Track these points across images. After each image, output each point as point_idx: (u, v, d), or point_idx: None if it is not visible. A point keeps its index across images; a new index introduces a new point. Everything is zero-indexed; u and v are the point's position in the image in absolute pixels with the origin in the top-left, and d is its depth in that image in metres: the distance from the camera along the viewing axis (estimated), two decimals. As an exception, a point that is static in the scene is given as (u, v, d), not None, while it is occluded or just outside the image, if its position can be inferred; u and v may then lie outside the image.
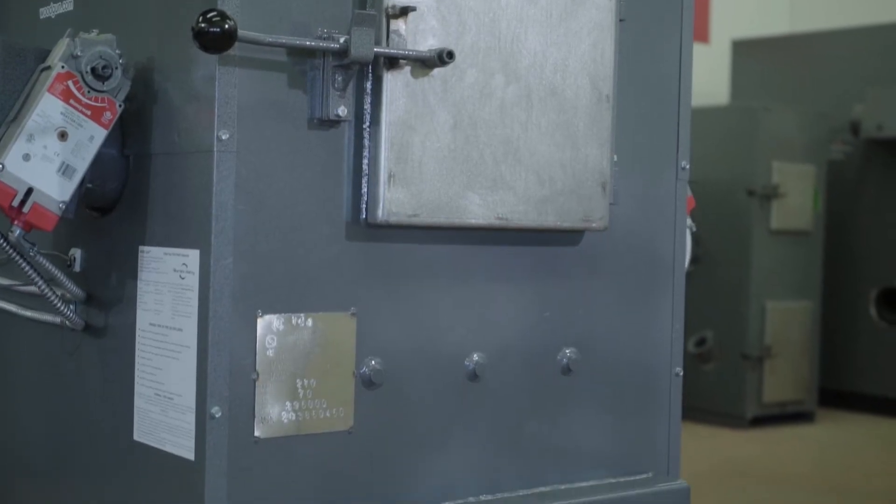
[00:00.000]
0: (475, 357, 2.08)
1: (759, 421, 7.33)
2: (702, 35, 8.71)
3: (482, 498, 2.09)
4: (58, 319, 2.19)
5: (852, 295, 7.77)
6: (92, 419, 2.14)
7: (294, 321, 1.90)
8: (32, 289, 2.27)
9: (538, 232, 2.12)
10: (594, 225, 2.15)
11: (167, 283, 1.93)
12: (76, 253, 2.16)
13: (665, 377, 2.33)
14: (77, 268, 2.15)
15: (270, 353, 1.88)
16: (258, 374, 1.87)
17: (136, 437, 2.01)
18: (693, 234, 2.47)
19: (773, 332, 7.19)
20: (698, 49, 2.36)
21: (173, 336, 1.91)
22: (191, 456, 1.86)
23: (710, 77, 8.21)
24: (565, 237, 2.18)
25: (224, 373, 1.84)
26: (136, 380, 2.01)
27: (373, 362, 1.98)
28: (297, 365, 1.90)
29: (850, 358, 7.79)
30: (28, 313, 2.30)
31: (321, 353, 1.93)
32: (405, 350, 2.02)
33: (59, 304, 2.08)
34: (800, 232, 7.29)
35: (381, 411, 2.00)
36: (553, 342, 2.18)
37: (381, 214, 1.92)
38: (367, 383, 1.97)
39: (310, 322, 1.91)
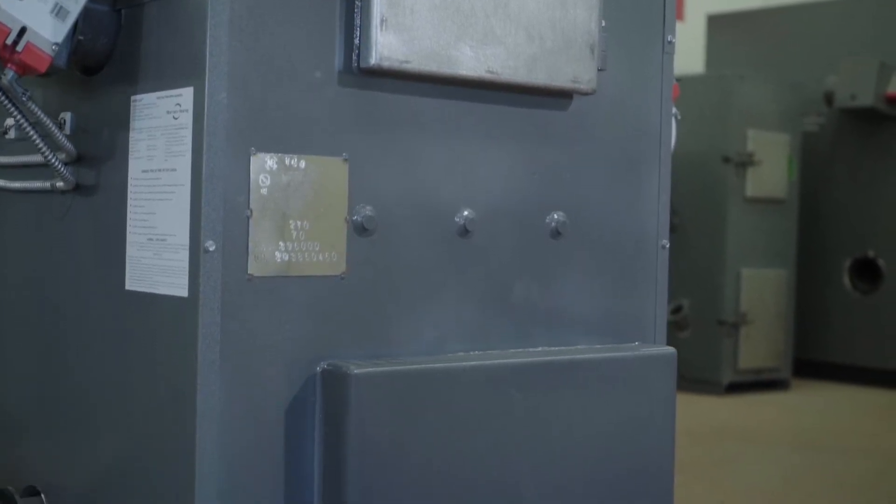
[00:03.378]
0: (465, 213, 2.10)
1: (735, 387, 7.37)
2: (677, 12, 8.76)
3: (473, 353, 2.10)
4: (47, 184, 2.19)
5: (826, 265, 7.84)
6: (82, 277, 2.14)
7: (287, 161, 1.90)
8: (21, 159, 2.28)
9: (528, 91, 2.14)
10: (582, 87, 2.17)
11: (160, 126, 1.93)
12: (66, 116, 2.16)
13: (652, 248, 2.35)
14: (68, 130, 2.15)
15: (264, 191, 1.89)
16: (252, 212, 1.87)
17: (127, 287, 2.01)
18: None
19: (748, 299, 7.24)
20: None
21: (166, 178, 1.92)
22: (184, 293, 1.87)
23: (685, 52, 8.25)
24: (554, 101, 2.20)
25: (218, 208, 1.85)
26: (129, 229, 2.01)
27: (365, 209, 1.99)
28: (290, 206, 1.91)
29: (824, 328, 7.85)
30: (16, 184, 2.30)
31: (314, 196, 1.94)
32: (396, 200, 2.03)
33: (50, 156, 2.08)
34: (775, 200, 7.35)
35: (373, 259, 2.01)
36: (542, 204, 2.20)
37: (373, 59, 1.94)
38: (359, 230, 1.98)
39: (302, 164, 1.92)
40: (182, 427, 1.86)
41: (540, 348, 2.18)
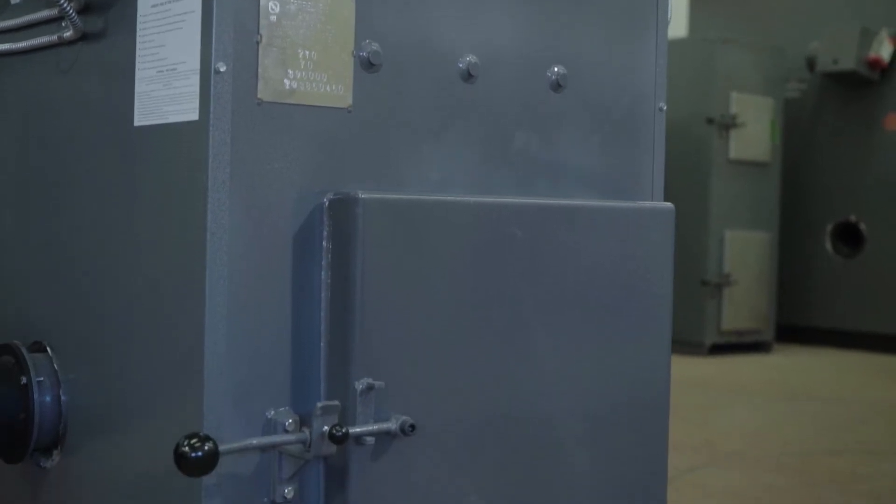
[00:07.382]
0: (469, 58, 2.14)
1: (718, 349, 7.44)
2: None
3: (476, 196, 2.14)
4: (55, 38, 2.22)
5: (808, 229, 7.92)
6: (89, 125, 2.17)
7: (296, -10, 1.94)
8: (27, 18, 2.30)
9: (529, -58, 2.18)
10: (583, -60, 2.21)
11: (170, -41, 1.96)
12: (74, -31, 2.18)
13: (650, 109, 2.39)
14: (75, -15, 2.18)
15: (273, 18, 1.92)
16: (261, 37, 1.90)
17: (136, 123, 2.04)
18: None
19: (731, 261, 7.31)
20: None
21: (176, 8, 1.95)
22: (195, 116, 1.89)
23: (668, 22, 8.31)
24: (554, -44, 2.24)
25: (228, 31, 1.87)
26: (137, 67, 2.04)
27: (371, 45, 2.02)
28: (299, 34, 1.94)
29: (806, 292, 7.92)
30: (22, 44, 2.32)
31: (322, 27, 1.97)
32: (401, 39, 2.06)
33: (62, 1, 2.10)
34: (758, 163, 7.42)
35: (378, 96, 2.04)
36: (543, 57, 2.24)
37: None
38: (365, 65, 2.02)
39: (311, -6, 1.96)
40: (191, 250, 1.88)
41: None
